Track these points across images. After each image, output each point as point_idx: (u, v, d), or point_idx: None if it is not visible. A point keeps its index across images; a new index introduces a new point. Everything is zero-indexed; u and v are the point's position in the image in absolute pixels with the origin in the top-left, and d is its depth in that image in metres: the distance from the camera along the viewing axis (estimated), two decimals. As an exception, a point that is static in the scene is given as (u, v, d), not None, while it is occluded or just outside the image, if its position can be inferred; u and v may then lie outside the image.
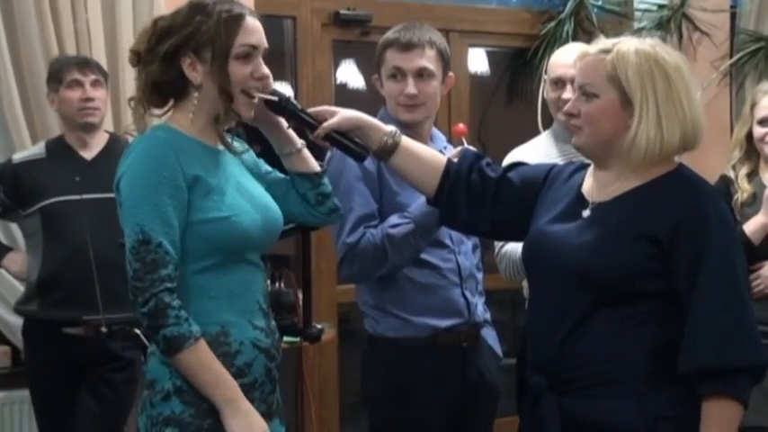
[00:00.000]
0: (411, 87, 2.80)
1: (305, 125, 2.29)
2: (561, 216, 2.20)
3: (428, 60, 2.81)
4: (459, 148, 2.73)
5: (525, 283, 3.24)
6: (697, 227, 2.05)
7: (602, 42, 2.17)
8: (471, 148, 2.72)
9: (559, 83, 3.12)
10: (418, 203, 2.70)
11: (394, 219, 2.72)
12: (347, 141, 2.32)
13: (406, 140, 2.36)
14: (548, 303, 2.17)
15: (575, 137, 2.20)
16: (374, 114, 2.89)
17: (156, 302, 2.06)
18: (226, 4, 2.17)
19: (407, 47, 2.80)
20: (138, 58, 2.20)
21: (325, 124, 2.28)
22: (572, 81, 3.03)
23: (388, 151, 2.34)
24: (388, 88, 2.84)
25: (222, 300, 2.17)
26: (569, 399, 2.11)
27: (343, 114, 2.30)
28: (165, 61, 2.15)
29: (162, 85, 2.18)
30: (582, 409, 2.10)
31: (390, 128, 2.37)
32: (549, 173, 2.34)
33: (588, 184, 2.22)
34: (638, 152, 2.10)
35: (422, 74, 2.81)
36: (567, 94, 3.11)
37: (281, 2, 4.60)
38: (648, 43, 2.14)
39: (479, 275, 2.96)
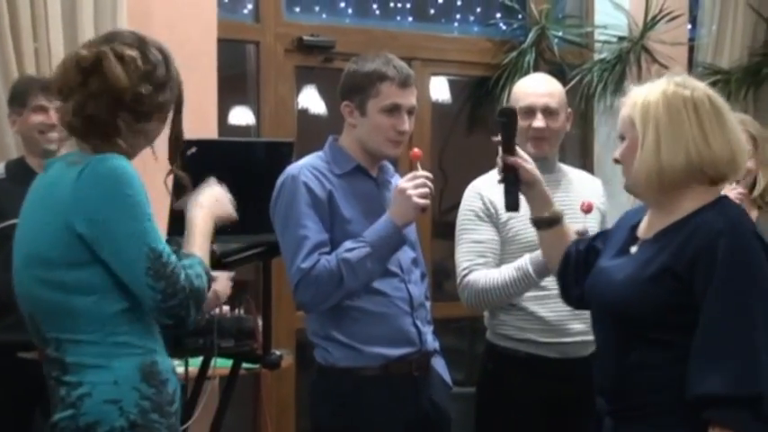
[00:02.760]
0: (407, 124, 2.81)
1: (509, 145, 2.47)
2: (616, 253, 2.34)
3: (415, 98, 2.84)
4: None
5: (486, 312, 3.25)
6: (708, 264, 2.12)
7: (633, 92, 2.29)
8: (425, 173, 2.75)
9: (530, 112, 3.13)
10: (373, 228, 2.71)
11: (348, 244, 2.72)
12: (515, 188, 2.50)
13: (564, 223, 2.56)
14: (602, 337, 2.32)
15: (625, 181, 2.33)
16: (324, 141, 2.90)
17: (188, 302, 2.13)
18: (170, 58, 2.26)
19: (407, 84, 2.81)
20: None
21: (523, 163, 2.50)
22: (543, 110, 3.09)
23: (546, 223, 2.54)
24: (378, 121, 2.80)
25: (152, 327, 2.21)
26: (626, 425, 2.23)
27: (534, 167, 2.52)
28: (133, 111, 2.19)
29: (100, 124, 2.17)
30: None
31: (557, 206, 2.56)
32: (619, 220, 2.48)
33: (643, 223, 2.34)
34: (638, 179, 2.23)
35: (412, 111, 2.83)
36: (539, 122, 3.13)
37: (245, 27, 4.60)
38: (665, 79, 2.26)
39: (428, 304, 2.97)
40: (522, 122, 3.16)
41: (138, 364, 2.15)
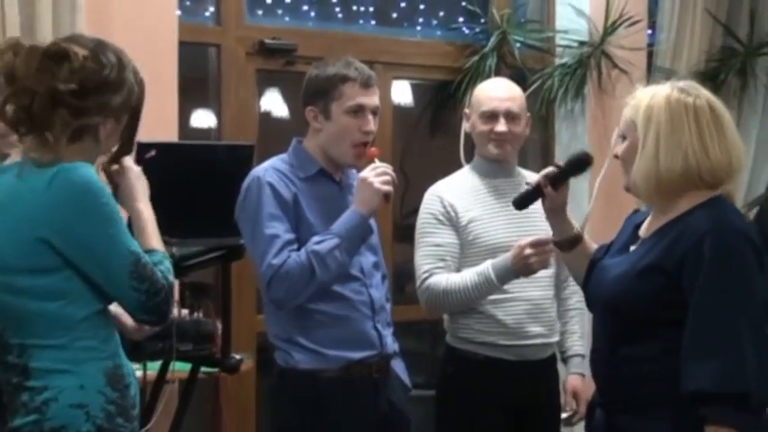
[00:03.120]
0: (372, 124, 2.83)
1: (562, 179, 2.57)
2: (617, 252, 2.44)
3: (378, 99, 2.86)
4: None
5: (446, 316, 3.26)
6: (694, 262, 2.19)
7: (636, 91, 2.37)
8: (385, 164, 2.81)
9: (493, 115, 3.16)
10: (340, 221, 2.72)
11: (316, 237, 2.73)
12: (533, 199, 2.61)
13: (585, 239, 2.62)
14: (598, 329, 2.41)
15: (624, 180, 2.38)
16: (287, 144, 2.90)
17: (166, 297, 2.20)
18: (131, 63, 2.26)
19: (369, 84, 2.82)
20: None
21: (554, 196, 2.57)
22: (505, 114, 3.12)
23: (569, 244, 2.60)
24: (343, 123, 2.81)
25: (114, 331, 2.23)
26: (616, 416, 2.32)
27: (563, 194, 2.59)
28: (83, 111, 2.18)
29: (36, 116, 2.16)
30: (625, 424, 2.30)
31: (577, 227, 2.63)
32: (626, 220, 2.56)
33: (646, 222, 2.42)
34: (637, 181, 2.30)
35: (375, 112, 2.85)
36: (501, 126, 3.16)
37: (206, 30, 4.58)
38: (669, 85, 2.33)
39: (388, 306, 2.99)
40: (484, 126, 3.19)
41: (104, 369, 2.16)
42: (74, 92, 2.15)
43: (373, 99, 2.84)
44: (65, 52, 2.16)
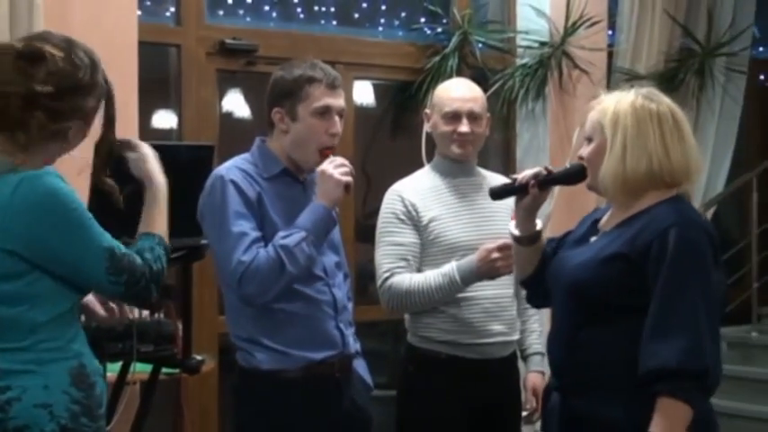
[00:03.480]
0: (338, 126, 2.83)
1: (550, 183, 2.64)
2: (575, 243, 2.58)
3: (343, 101, 2.87)
4: None
5: (407, 315, 3.27)
6: (659, 251, 2.33)
7: (601, 96, 2.52)
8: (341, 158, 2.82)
9: (456, 116, 3.18)
10: (304, 215, 2.74)
11: (282, 233, 2.73)
12: (511, 193, 2.66)
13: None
14: (557, 316, 2.53)
15: (587, 180, 2.53)
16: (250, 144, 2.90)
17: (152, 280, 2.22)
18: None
19: (335, 85, 2.82)
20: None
21: (538, 198, 2.64)
22: (468, 114, 3.13)
23: (529, 239, 2.66)
24: (310, 124, 2.80)
25: (80, 330, 2.23)
26: (571, 399, 2.44)
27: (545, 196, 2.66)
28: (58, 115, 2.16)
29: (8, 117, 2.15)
30: (579, 407, 2.42)
31: (539, 224, 2.67)
32: (584, 217, 2.69)
33: (605, 217, 2.57)
34: (605, 181, 2.43)
35: (341, 114, 2.85)
36: (464, 127, 3.18)
37: (166, 30, 4.57)
38: (634, 91, 2.47)
39: (350, 306, 2.99)
40: (446, 127, 3.20)
41: (68, 368, 2.15)
42: (50, 94, 2.13)
43: (339, 101, 2.84)
44: (40, 53, 2.14)
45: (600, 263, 2.40)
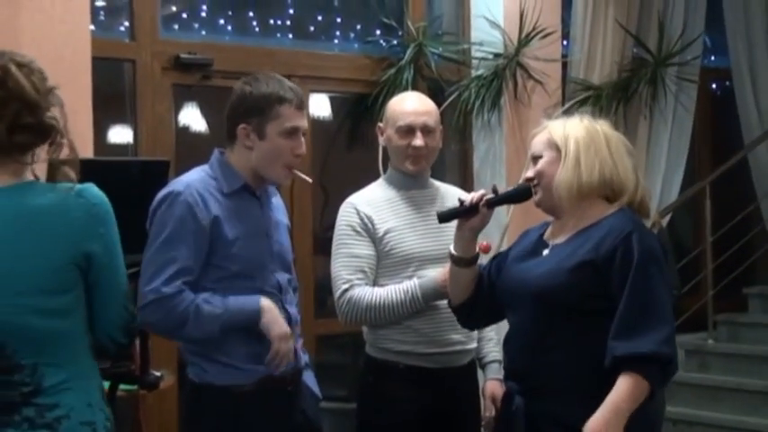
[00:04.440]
0: (304, 147, 2.84)
1: (498, 203, 2.77)
2: (525, 256, 2.71)
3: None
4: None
5: (365, 327, 3.27)
6: (626, 256, 2.51)
7: (543, 123, 2.72)
8: (303, 176, 2.87)
9: (410, 130, 3.19)
10: (238, 300, 2.72)
11: (207, 296, 2.70)
12: (458, 215, 2.75)
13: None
14: (518, 325, 2.65)
15: (534, 197, 2.69)
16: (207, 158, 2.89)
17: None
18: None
19: (302, 106, 2.82)
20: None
21: (486, 218, 2.78)
22: (422, 128, 3.15)
23: (467, 262, 2.77)
24: (277, 145, 2.78)
25: None
26: (534, 401, 2.58)
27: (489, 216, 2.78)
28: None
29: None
30: (544, 409, 2.56)
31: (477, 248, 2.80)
32: (521, 236, 2.85)
33: (549, 232, 2.73)
34: (560, 189, 2.59)
35: (305, 134, 2.85)
36: (419, 141, 3.19)
37: (120, 45, 4.55)
38: (576, 117, 2.70)
39: (299, 318, 2.99)
40: (401, 141, 3.22)
41: (99, 385, 2.24)
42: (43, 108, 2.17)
43: (305, 121, 2.84)
44: (24, 64, 2.18)
45: (568, 271, 2.54)
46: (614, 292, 2.52)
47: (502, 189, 2.82)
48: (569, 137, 2.62)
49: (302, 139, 2.82)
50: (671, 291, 2.61)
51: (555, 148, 2.64)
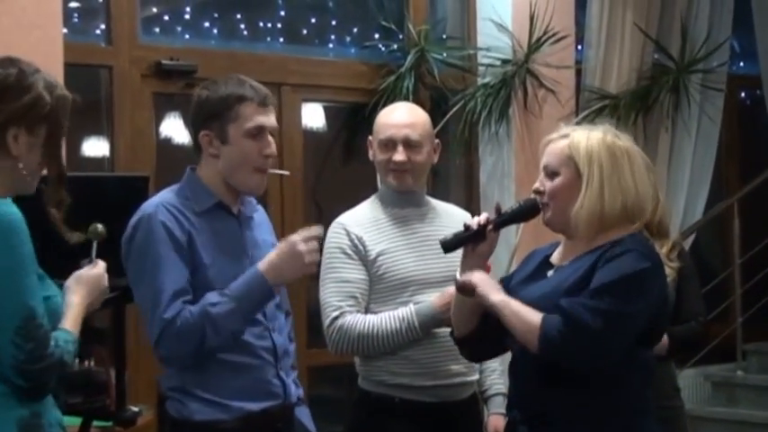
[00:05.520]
0: (274, 147, 2.84)
1: (504, 224, 2.74)
2: (528, 278, 2.72)
3: (275, 119, 2.87)
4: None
5: (357, 358, 3.28)
6: (613, 262, 2.53)
7: (562, 129, 2.69)
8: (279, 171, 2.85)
9: (390, 144, 3.20)
10: (239, 283, 2.72)
11: (213, 297, 2.71)
12: (465, 241, 2.71)
13: None
14: (522, 351, 2.62)
15: (543, 214, 2.68)
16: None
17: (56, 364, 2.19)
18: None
19: (266, 103, 2.82)
20: None
21: (493, 244, 2.75)
22: (403, 142, 3.17)
23: (474, 291, 2.67)
24: (243, 147, 2.79)
25: None
26: (538, 429, 2.59)
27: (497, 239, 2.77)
28: None
29: None
30: None
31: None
32: (528, 256, 2.85)
33: (557, 253, 2.74)
34: (581, 218, 2.59)
35: (274, 133, 2.86)
36: (399, 156, 3.20)
37: (96, 49, 4.58)
38: (600, 129, 2.68)
39: (292, 348, 2.99)
40: (382, 156, 3.24)
41: (16, 418, 2.17)
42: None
43: (271, 119, 2.84)
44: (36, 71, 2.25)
45: (561, 294, 2.54)
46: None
47: (510, 206, 2.79)
48: (593, 160, 2.60)
49: (270, 138, 2.82)
50: (646, 314, 2.56)
51: (574, 167, 2.61)
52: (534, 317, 2.51)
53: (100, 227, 2.51)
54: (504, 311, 2.56)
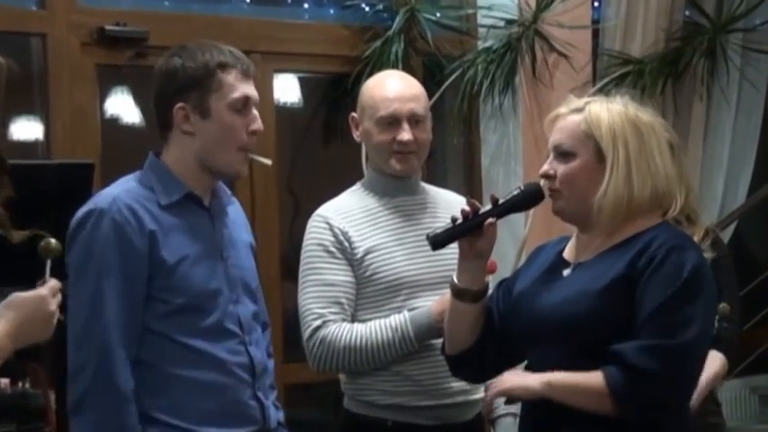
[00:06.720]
0: (260, 121, 2.84)
1: (504, 212, 2.69)
2: (541, 279, 2.70)
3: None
4: None
5: (342, 375, 3.28)
6: (662, 269, 2.51)
7: (573, 102, 2.65)
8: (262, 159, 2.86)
9: (394, 121, 3.17)
10: None
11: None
12: (458, 235, 2.67)
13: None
14: (538, 364, 2.63)
15: (553, 202, 2.65)
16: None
17: None
18: None
19: (249, 73, 2.82)
20: None
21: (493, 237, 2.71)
22: (409, 118, 3.14)
23: (472, 297, 2.71)
24: (228, 121, 2.78)
25: None
26: None
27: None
28: None
29: None
30: None
31: (487, 279, 2.76)
32: (533, 253, 2.86)
33: (570, 249, 2.72)
34: (606, 207, 2.57)
35: (257, 107, 2.85)
36: (406, 134, 3.17)
37: (27, 15, 4.57)
38: (619, 101, 2.64)
39: (271, 365, 2.98)
40: (382, 136, 3.20)
41: None
42: None
43: (254, 90, 2.83)
44: None
45: (597, 293, 2.54)
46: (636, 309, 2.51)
47: (510, 193, 2.74)
48: (617, 138, 2.57)
49: (255, 112, 2.82)
50: (712, 323, 2.57)
51: (594, 147, 2.58)
52: (593, 378, 2.49)
53: (53, 242, 2.41)
54: (555, 393, 2.53)
